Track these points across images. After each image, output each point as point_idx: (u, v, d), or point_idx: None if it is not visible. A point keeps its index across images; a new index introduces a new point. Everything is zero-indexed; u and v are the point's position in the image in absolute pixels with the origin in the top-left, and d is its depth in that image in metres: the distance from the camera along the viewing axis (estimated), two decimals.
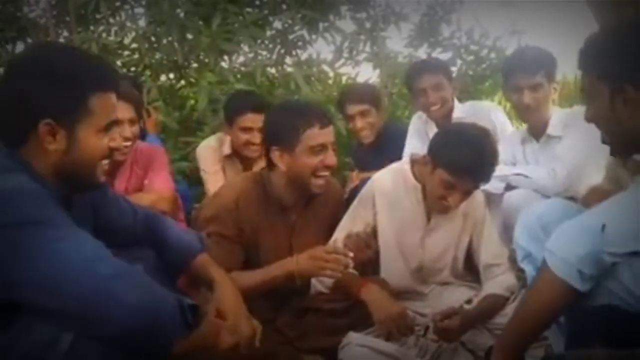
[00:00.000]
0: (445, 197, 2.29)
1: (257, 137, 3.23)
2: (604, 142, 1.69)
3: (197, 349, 1.54)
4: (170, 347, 1.41)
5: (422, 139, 3.39)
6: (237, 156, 3.50)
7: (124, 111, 2.67)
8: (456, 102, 3.38)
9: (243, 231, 2.31)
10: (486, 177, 2.29)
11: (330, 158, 2.29)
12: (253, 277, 2.20)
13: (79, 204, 1.59)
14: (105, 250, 1.39)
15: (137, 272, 1.40)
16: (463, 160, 2.20)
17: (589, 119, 1.69)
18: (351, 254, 2.12)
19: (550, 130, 2.83)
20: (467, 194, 2.31)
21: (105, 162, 1.57)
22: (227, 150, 3.50)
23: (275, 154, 2.29)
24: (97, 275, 1.32)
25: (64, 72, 1.45)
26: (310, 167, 2.27)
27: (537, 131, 2.90)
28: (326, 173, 2.31)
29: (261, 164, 2.94)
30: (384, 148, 3.38)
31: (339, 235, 2.43)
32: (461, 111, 3.35)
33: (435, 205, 2.38)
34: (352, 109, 3.41)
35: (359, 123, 3.40)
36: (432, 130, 3.32)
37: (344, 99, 3.50)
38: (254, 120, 3.29)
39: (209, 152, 3.55)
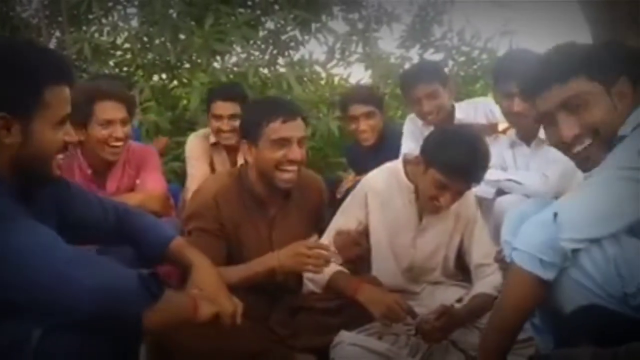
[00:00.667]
0: (437, 198, 2.30)
1: (226, 125, 3.50)
2: (592, 156, 1.64)
3: (173, 323, 1.56)
4: (139, 320, 1.42)
5: (417, 140, 3.34)
6: (223, 145, 3.64)
7: (116, 111, 2.68)
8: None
9: (224, 226, 2.32)
10: (478, 178, 2.30)
11: (294, 152, 2.26)
12: (235, 273, 2.19)
13: (41, 200, 1.59)
14: (57, 236, 1.40)
15: (91, 254, 1.43)
16: (455, 161, 2.21)
17: (597, 123, 1.61)
18: (333, 249, 2.13)
19: (542, 134, 2.75)
20: (459, 194, 2.32)
21: (60, 156, 1.56)
22: (212, 139, 3.65)
23: (245, 147, 2.32)
24: (52, 261, 1.33)
25: (20, 65, 1.44)
26: (272, 160, 2.26)
27: (527, 135, 2.85)
28: (292, 167, 2.28)
29: None
30: (382, 149, 3.38)
31: (331, 232, 2.44)
32: (463, 111, 3.33)
33: (427, 206, 2.39)
34: (357, 109, 3.39)
35: (363, 125, 3.39)
36: (428, 131, 3.32)
37: (348, 100, 3.48)
38: (223, 107, 3.51)
39: (196, 141, 3.73)
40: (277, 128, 2.24)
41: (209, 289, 1.74)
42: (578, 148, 1.66)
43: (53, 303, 1.32)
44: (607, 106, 1.60)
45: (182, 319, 1.58)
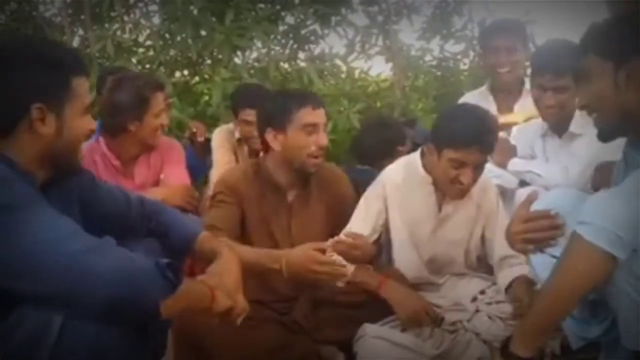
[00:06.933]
0: (457, 178, 2.30)
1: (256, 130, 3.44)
2: (595, 125, 1.70)
3: (192, 311, 1.58)
4: (157, 308, 1.42)
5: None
6: (247, 143, 3.65)
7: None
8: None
9: (244, 211, 2.38)
10: (490, 145, 2.30)
11: (323, 138, 2.36)
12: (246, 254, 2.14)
13: (66, 193, 1.62)
14: (75, 225, 1.43)
15: (108, 243, 1.44)
16: (464, 132, 2.24)
17: (588, 100, 1.69)
18: (345, 263, 2.15)
19: (573, 127, 2.70)
20: (477, 169, 2.32)
21: (84, 144, 1.64)
22: (237, 134, 3.68)
23: (270, 135, 2.37)
24: (69, 251, 1.35)
25: (49, 57, 1.50)
26: (305, 147, 2.33)
27: (559, 127, 2.77)
28: (321, 152, 2.38)
29: None
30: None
31: (352, 224, 2.45)
32: None
33: (450, 191, 2.38)
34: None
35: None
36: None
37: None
38: (252, 114, 3.41)
39: (223, 132, 3.77)
40: (307, 113, 2.33)
41: (230, 280, 1.70)
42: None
43: (69, 293, 1.34)
44: (606, 84, 1.63)
45: (200, 307, 1.58)
